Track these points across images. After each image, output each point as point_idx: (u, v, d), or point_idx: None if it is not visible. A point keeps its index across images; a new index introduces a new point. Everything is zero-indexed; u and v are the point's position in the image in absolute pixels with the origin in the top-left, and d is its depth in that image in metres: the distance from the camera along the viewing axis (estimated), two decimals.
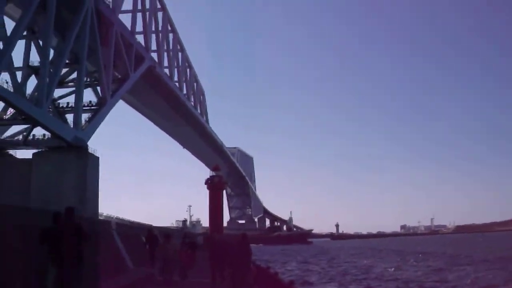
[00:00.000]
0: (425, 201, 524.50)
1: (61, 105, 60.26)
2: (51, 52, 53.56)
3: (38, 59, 54.42)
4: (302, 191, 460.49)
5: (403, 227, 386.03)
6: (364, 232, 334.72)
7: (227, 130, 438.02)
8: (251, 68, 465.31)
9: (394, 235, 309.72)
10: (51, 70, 51.52)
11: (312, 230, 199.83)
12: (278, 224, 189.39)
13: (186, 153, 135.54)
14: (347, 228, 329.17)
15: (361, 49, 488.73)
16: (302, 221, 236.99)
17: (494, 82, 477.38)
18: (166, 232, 24.68)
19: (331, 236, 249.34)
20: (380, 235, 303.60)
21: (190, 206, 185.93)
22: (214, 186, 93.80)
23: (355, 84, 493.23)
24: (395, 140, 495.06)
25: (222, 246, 15.60)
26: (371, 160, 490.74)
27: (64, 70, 58.56)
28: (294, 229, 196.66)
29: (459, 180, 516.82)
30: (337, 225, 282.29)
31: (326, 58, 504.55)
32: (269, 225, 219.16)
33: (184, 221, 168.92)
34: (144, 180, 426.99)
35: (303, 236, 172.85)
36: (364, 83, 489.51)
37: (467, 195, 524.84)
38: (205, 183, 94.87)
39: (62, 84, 59.78)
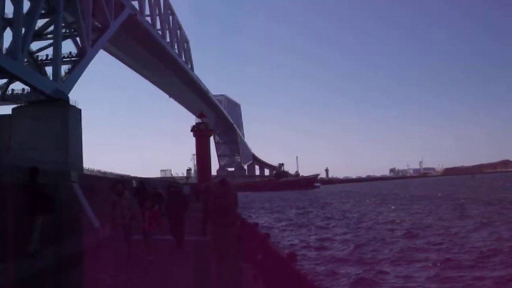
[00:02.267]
0: (413, 144, 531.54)
1: (40, 58, 58.67)
2: (27, 3, 52.01)
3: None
4: (291, 138, 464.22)
5: (392, 170, 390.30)
6: (354, 176, 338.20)
7: (213, 78, 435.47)
8: (238, 17, 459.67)
9: (383, 178, 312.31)
10: (26, 22, 49.85)
11: (319, 174, 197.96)
12: (283, 169, 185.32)
13: (173, 103, 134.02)
14: (336, 172, 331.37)
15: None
16: (292, 167, 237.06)
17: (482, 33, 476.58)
18: (116, 179, 19.28)
19: (320, 181, 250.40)
20: (370, 179, 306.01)
21: (194, 154, 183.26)
22: (200, 133, 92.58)
23: (341, 32, 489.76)
24: (383, 85, 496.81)
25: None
26: (359, 105, 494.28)
27: (41, 22, 56.96)
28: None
29: (447, 123, 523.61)
30: (326, 170, 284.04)
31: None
32: (258, 172, 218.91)
33: (189, 170, 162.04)
34: (129, 133, 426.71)
35: (310, 181, 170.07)
36: (348, 31, 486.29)
37: (455, 137, 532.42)
38: (191, 131, 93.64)
39: (40, 36, 58.13)
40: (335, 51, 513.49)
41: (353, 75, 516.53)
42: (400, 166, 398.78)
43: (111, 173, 57.90)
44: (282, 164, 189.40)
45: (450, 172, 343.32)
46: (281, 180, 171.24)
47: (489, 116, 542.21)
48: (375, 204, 52.22)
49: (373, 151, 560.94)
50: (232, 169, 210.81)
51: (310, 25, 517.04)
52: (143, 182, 21.69)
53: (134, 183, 27.95)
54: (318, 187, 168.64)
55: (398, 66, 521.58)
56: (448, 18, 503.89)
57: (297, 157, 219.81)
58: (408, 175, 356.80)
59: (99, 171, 58.10)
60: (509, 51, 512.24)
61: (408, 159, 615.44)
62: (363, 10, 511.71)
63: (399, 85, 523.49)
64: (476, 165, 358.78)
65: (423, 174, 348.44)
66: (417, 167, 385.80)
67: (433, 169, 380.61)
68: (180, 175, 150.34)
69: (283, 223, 34.28)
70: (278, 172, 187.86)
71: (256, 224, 9.74)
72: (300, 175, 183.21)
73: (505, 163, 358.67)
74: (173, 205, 14.20)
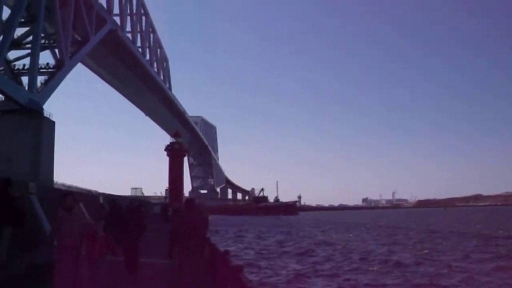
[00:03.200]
0: (387, 175, 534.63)
1: (16, 67, 57.64)
2: (8, 11, 51.24)
3: None
4: (265, 163, 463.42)
5: (364, 200, 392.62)
6: (326, 204, 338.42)
7: (190, 99, 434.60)
8: (214, 40, 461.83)
9: (356, 208, 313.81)
10: (5, 29, 49.03)
11: (298, 201, 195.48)
12: (263, 194, 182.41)
13: (149, 121, 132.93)
14: (308, 200, 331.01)
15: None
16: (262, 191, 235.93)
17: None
18: (65, 191, 16.15)
19: None
20: (342, 208, 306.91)
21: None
22: (174, 152, 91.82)
23: (315, 56, 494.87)
24: (358, 114, 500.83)
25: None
26: (333, 133, 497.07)
27: (21, 31, 56.43)
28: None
29: (420, 156, 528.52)
30: (299, 197, 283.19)
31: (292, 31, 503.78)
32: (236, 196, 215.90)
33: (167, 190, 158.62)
34: (103, 149, 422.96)
35: (290, 207, 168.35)
36: (325, 53, 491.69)
37: (428, 170, 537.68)
38: (165, 150, 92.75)
39: (19, 45, 57.23)
40: (312, 73, 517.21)
41: (332, 102, 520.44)
42: (373, 196, 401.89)
43: (76, 187, 56.62)
44: (262, 189, 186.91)
45: (422, 204, 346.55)
46: (260, 205, 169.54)
47: (463, 151, 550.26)
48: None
49: (346, 181, 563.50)
50: (205, 191, 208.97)
51: (289, 44, 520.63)
52: (115, 201, 19.38)
53: (101, 200, 26.98)
54: (298, 213, 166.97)
55: (374, 99, 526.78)
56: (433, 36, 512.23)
57: (277, 181, 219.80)
58: (381, 205, 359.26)
59: (69, 186, 56.91)
60: (486, 92, 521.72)
61: (381, 189, 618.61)
62: (342, 25, 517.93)
63: (376, 116, 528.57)
64: (449, 198, 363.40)
65: (396, 205, 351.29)
66: (390, 197, 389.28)
67: (406, 200, 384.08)
68: (155, 194, 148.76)
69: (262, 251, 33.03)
70: (258, 196, 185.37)
71: (227, 252, 8.52)
72: (280, 200, 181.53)
73: (476, 197, 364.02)
74: (129, 225, 12.11)
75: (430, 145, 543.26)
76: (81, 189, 54.66)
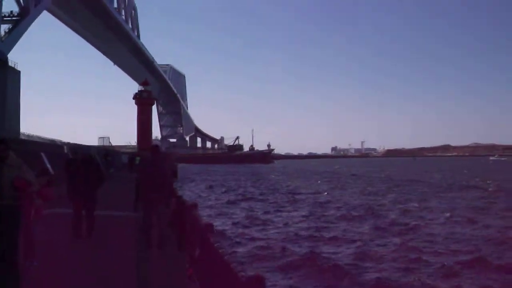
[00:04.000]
0: (356, 124, 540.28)
1: None
2: None
3: None
4: (233, 111, 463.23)
5: (333, 149, 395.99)
6: (295, 153, 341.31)
7: (159, 47, 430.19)
8: None
9: (324, 156, 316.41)
10: None
11: (273, 149, 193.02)
12: (239, 142, 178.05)
13: (117, 71, 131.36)
14: (278, 148, 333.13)
15: None
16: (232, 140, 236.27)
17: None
18: None
19: None
20: (311, 156, 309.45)
21: None
22: (142, 101, 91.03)
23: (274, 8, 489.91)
24: (328, 60, 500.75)
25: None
26: (302, 80, 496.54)
27: None
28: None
29: (390, 105, 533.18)
30: (268, 145, 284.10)
31: None
32: (201, 144, 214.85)
33: None
34: (70, 98, 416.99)
35: (265, 156, 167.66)
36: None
37: (397, 121, 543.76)
38: (133, 98, 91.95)
39: None
40: (280, 24, 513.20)
41: (300, 51, 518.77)
42: (342, 145, 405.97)
43: (39, 137, 55.87)
44: (238, 138, 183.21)
45: (391, 153, 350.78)
46: (235, 154, 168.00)
47: (432, 102, 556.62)
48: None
49: (315, 129, 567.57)
50: (174, 140, 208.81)
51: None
52: (75, 150, 19.05)
53: (65, 149, 27.04)
54: (273, 162, 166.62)
55: (347, 43, 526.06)
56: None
57: (252, 130, 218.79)
58: (350, 154, 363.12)
59: (31, 136, 56.30)
60: (459, 32, 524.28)
61: (350, 138, 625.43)
62: None
63: (346, 62, 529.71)
64: (418, 148, 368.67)
65: (365, 154, 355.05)
66: (359, 147, 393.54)
67: (374, 149, 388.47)
68: (128, 144, 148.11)
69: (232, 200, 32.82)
70: (233, 145, 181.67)
71: (195, 206, 7.84)
72: (256, 149, 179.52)
73: (445, 147, 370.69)
74: (79, 178, 10.24)
75: (399, 95, 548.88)
76: (44, 138, 54.11)
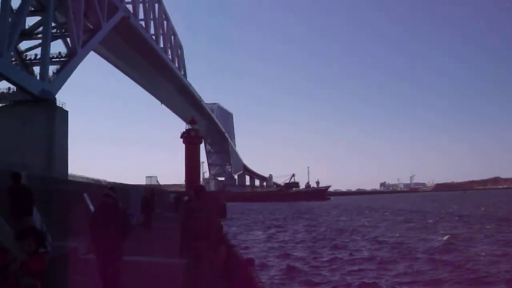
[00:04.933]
0: (404, 159, 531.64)
1: (28, 58, 57.20)
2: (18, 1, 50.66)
3: None
4: (282, 149, 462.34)
5: (382, 184, 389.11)
6: (343, 189, 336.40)
7: (206, 86, 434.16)
8: (232, 28, 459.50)
9: (374, 192, 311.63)
10: (14, 18, 48.35)
11: (329, 186, 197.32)
12: (294, 179, 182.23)
13: (164, 110, 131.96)
14: (326, 185, 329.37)
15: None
16: (281, 179, 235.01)
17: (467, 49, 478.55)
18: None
19: None
20: (361, 192, 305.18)
21: None
22: (190, 139, 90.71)
23: (333, 44, 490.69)
24: (376, 99, 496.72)
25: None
26: (351, 118, 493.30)
27: (33, 22, 56.06)
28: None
29: (439, 139, 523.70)
30: (317, 182, 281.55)
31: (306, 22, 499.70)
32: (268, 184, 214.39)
33: None
34: (117, 138, 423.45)
35: (321, 193, 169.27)
36: (341, 43, 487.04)
37: (446, 154, 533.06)
38: (181, 137, 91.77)
39: (30, 36, 56.87)
40: (326, 62, 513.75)
41: (346, 88, 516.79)
42: (391, 180, 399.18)
43: (82, 177, 55.36)
44: (293, 175, 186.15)
45: (441, 187, 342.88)
46: (291, 191, 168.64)
47: (481, 134, 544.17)
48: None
49: (364, 165, 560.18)
50: (223, 178, 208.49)
51: (302, 38, 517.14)
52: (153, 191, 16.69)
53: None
54: (329, 198, 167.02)
55: (392, 81, 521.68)
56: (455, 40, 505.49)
57: (308, 167, 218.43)
58: (399, 189, 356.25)
59: (79, 176, 55.85)
60: (503, 71, 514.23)
61: (398, 173, 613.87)
62: (355, 22, 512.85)
63: (392, 99, 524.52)
64: (467, 182, 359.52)
65: (414, 189, 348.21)
66: (408, 181, 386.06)
67: (424, 184, 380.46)
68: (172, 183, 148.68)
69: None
70: (289, 182, 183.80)
71: (251, 262, 7.00)
72: (312, 186, 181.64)
73: (495, 180, 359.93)
74: (101, 222, 8.28)
75: (448, 129, 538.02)
76: (88, 178, 53.59)
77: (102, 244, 8.13)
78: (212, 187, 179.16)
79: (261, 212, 72.84)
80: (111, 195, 8.52)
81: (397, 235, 32.01)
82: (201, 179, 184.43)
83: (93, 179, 51.07)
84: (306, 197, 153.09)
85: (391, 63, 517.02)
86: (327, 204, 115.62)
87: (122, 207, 11.43)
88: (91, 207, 17.10)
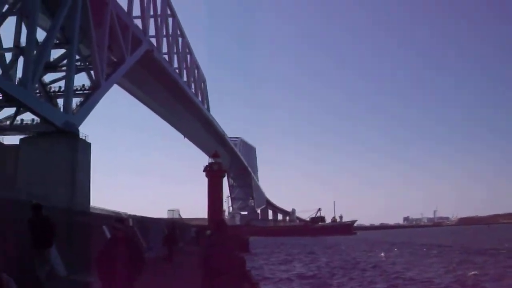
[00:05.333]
0: (427, 193, 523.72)
1: (52, 90, 57.71)
2: (44, 34, 51.34)
3: None
4: (305, 183, 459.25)
5: (406, 219, 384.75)
6: (367, 224, 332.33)
7: (229, 120, 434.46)
8: (254, 61, 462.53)
9: (397, 227, 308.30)
10: (39, 50, 48.85)
11: (355, 221, 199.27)
12: (320, 214, 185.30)
13: (187, 143, 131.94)
14: (349, 219, 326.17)
15: (363, 49, 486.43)
16: (304, 213, 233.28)
17: (492, 82, 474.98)
18: None
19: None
20: (383, 227, 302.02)
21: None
22: (213, 173, 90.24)
23: (356, 80, 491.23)
24: (398, 133, 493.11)
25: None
26: (372, 152, 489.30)
27: (57, 54, 56.41)
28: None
29: (461, 173, 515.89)
30: (340, 217, 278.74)
31: (326, 56, 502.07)
32: (305, 218, 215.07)
33: None
34: (140, 171, 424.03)
35: (347, 227, 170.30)
36: (370, 75, 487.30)
37: (469, 187, 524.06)
38: (204, 170, 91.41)
39: (55, 68, 57.41)
40: (350, 97, 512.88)
41: (370, 123, 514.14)
42: (414, 214, 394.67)
43: (102, 209, 55.34)
44: (319, 209, 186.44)
45: (465, 221, 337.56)
46: (317, 226, 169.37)
47: (505, 167, 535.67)
48: None
49: (386, 199, 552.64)
50: (245, 212, 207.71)
51: (327, 71, 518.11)
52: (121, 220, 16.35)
53: (131, 222, 25.51)
54: (356, 233, 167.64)
55: (417, 116, 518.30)
56: (466, 73, 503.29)
57: (334, 202, 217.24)
58: (422, 223, 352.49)
59: (99, 208, 55.82)
60: None
61: (422, 207, 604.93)
62: (381, 56, 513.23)
63: (415, 133, 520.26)
64: (491, 215, 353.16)
65: (437, 223, 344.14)
66: (431, 215, 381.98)
67: (447, 218, 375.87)
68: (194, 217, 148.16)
69: None
70: (315, 217, 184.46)
71: None
72: (337, 220, 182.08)
73: None
74: (108, 258, 7.60)
75: (471, 163, 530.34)
76: (108, 210, 53.74)
77: (108, 282, 7.57)
78: (237, 221, 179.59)
79: (286, 247, 71.74)
80: (119, 228, 7.95)
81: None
82: (226, 213, 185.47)
83: (113, 212, 51.00)
84: (333, 231, 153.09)
85: (417, 100, 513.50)
86: (353, 238, 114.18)
87: (135, 239, 11.76)
88: None
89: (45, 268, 11.38)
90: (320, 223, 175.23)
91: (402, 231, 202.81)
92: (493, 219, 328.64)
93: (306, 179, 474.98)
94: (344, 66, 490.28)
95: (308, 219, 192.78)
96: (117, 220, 8.50)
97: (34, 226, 11.11)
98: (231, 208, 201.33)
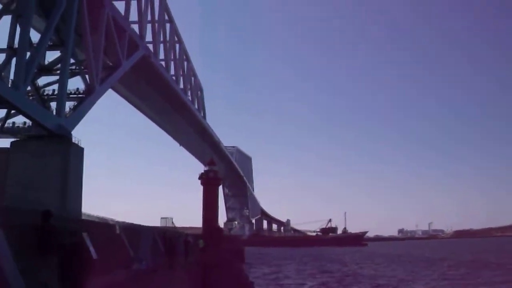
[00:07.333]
0: (422, 205, 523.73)
1: (46, 93, 56.41)
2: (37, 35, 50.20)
3: None
4: (299, 194, 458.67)
5: (400, 231, 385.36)
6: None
7: (225, 129, 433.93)
8: (251, 69, 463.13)
9: (391, 239, 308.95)
10: (32, 52, 47.62)
11: (367, 232, 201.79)
12: (331, 225, 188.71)
13: (182, 151, 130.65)
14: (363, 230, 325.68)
15: (369, 57, 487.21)
16: (299, 225, 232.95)
17: (491, 91, 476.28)
18: None
19: None
20: (378, 239, 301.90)
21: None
22: (208, 181, 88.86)
23: (354, 89, 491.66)
24: (393, 144, 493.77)
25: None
26: (368, 164, 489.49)
27: (52, 57, 55.72)
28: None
29: (456, 186, 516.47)
30: (335, 228, 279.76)
31: (325, 63, 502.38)
32: (321, 228, 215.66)
33: None
34: (133, 177, 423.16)
35: (358, 238, 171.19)
36: (368, 87, 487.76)
37: (464, 201, 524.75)
38: (199, 178, 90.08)
39: (49, 71, 56.22)
40: (347, 105, 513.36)
41: (365, 133, 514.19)
42: (409, 227, 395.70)
43: (89, 215, 54.25)
44: (330, 220, 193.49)
45: (459, 234, 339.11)
46: (328, 236, 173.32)
47: (499, 181, 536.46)
48: None
49: (381, 211, 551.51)
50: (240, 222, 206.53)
51: (328, 78, 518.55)
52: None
53: (117, 229, 24.09)
54: (366, 244, 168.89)
55: (416, 125, 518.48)
56: (466, 80, 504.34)
57: (345, 212, 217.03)
58: (417, 236, 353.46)
59: (97, 217, 54.62)
60: None
61: (417, 220, 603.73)
62: (383, 64, 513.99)
63: (410, 144, 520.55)
64: (486, 228, 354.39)
65: (432, 236, 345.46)
66: (426, 228, 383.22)
67: (442, 231, 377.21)
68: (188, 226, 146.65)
69: None
70: (326, 227, 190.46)
71: None
72: (348, 231, 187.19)
73: None
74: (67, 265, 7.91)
75: (466, 176, 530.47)
76: (91, 216, 52.61)
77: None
78: (246, 231, 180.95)
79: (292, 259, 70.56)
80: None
81: None
82: (236, 223, 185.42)
83: (97, 217, 49.55)
84: (344, 242, 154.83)
85: (416, 110, 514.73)
86: (365, 250, 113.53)
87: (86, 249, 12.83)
88: (91, 248, 15.18)
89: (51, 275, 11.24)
90: (331, 234, 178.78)
91: (397, 243, 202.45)
92: (487, 232, 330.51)
93: (302, 189, 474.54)
94: (343, 74, 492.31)
95: (318, 230, 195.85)
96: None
97: (41, 233, 11.19)
98: (224, 217, 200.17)
